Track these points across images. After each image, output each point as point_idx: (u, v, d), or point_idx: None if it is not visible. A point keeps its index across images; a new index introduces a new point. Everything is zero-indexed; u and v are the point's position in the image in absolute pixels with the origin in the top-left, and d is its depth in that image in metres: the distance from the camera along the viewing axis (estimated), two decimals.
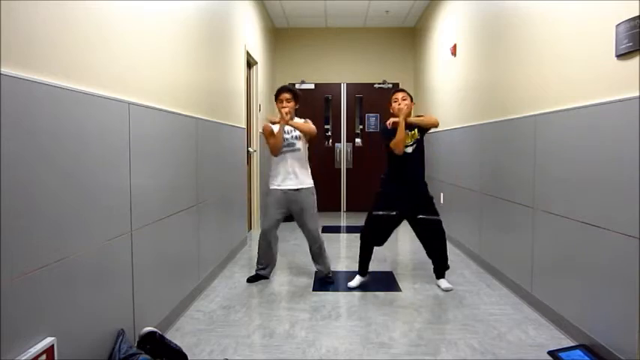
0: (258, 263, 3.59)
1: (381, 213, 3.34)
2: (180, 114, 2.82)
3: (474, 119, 4.22)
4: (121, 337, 2.00)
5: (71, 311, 1.69)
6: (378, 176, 3.47)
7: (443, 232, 3.39)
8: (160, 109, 2.52)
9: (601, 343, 2.23)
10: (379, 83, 7.20)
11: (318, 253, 3.52)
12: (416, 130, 3.28)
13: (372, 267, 3.84)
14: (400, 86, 7.17)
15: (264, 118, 4.67)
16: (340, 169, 7.34)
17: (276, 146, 3.38)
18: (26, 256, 1.45)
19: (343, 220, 6.72)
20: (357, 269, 3.50)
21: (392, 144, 3.21)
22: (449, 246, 4.64)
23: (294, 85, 7.22)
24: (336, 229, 5.85)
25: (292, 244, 4.80)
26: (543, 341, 2.47)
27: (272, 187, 3.47)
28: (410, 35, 7.18)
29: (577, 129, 2.46)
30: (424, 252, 3.50)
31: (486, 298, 3.15)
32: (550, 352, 2.32)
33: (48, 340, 1.53)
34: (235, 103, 4.41)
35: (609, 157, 2.18)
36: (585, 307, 2.38)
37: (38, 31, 1.53)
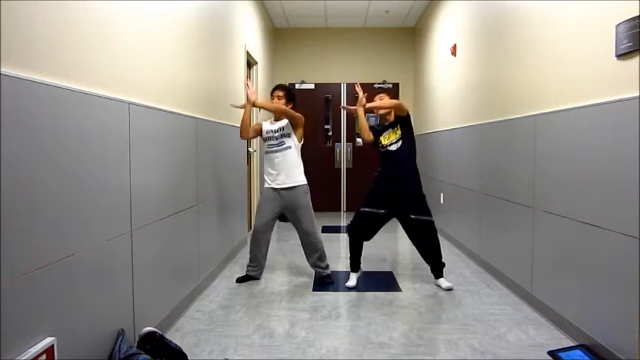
0: (249, 263, 3.57)
1: (367, 210, 3.37)
2: (180, 114, 2.82)
3: (474, 119, 4.22)
4: (121, 337, 2.00)
5: (71, 311, 1.69)
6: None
7: (435, 232, 3.38)
8: (160, 109, 2.52)
9: (601, 343, 2.23)
10: (379, 83, 7.20)
11: (316, 255, 3.50)
12: (398, 126, 3.31)
13: (372, 267, 3.85)
14: (400, 86, 7.19)
15: (264, 118, 4.67)
16: (340, 169, 7.34)
17: (243, 126, 3.43)
18: (26, 256, 1.45)
19: (343, 220, 6.71)
20: None
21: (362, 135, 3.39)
22: (448, 245, 4.65)
23: (294, 85, 7.22)
24: (336, 229, 5.84)
25: (292, 244, 4.79)
26: (543, 341, 2.47)
27: (265, 185, 3.48)
28: (410, 35, 7.18)
29: (577, 129, 2.46)
30: None
31: (486, 298, 3.15)
32: (550, 352, 2.32)
33: (48, 340, 1.53)
34: (235, 103, 4.40)
35: (609, 157, 2.18)
36: (585, 307, 2.38)
37: (38, 31, 1.53)
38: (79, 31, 1.75)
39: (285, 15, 6.56)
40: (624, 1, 2.07)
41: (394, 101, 3.41)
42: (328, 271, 3.55)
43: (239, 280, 3.51)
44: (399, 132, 3.30)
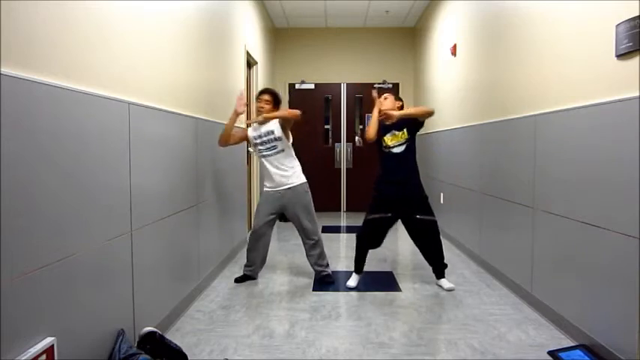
0: (246, 263, 3.56)
1: (376, 216, 3.33)
2: (180, 114, 2.82)
3: (474, 119, 4.22)
4: (121, 337, 2.00)
5: (71, 311, 1.69)
6: (373, 182, 3.46)
7: (438, 233, 3.38)
8: (160, 109, 2.52)
9: (601, 343, 2.23)
10: (379, 83, 7.20)
11: (316, 253, 3.50)
12: (405, 130, 3.26)
13: (372, 267, 3.84)
14: (400, 86, 7.18)
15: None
16: (340, 169, 7.34)
17: (224, 134, 3.38)
18: (26, 256, 1.46)
19: (343, 220, 6.72)
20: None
21: (366, 133, 3.29)
22: (449, 246, 4.65)
23: (294, 85, 7.23)
24: (336, 229, 5.85)
25: (292, 244, 4.80)
26: (543, 341, 2.47)
27: (265, 189, 3.49)
28: (410, 35, 7.18)
29: (577, 129, 2.46)
30: None
31: (486, 298, 3.15)
32: (550, 352, 2.32)
33: (48, 340, 1.53)
34: (235, 103, 4.40)
35: (609, 157, 2.18)
36: (585, 307, 2.38)
37: (38, 31, 1.53)
38: (79, 31, 1.75)
39: (285, 15, 6.56)
40: (624, 1, 2.07)
41: (426, 108, 3.35)
42: (329, 270, 3.55)
43: (237, 281, 3.51)
44: (405, 135, 3.26)
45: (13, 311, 1.39)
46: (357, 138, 7.29)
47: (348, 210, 7.31)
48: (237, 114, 3.37)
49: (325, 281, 3.50)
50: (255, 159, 5.45)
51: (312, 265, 3.57)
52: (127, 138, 2.12)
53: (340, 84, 7.29)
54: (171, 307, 2.68)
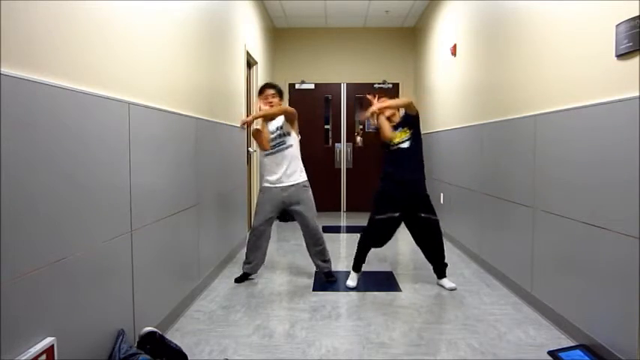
0: (245, 261, 3.56)
1: (383, 217, 3.31)
2: (180, 114, 2.82)
3: (474, 119, 4.22)
4: (121, 337, 2.00)
5: (71, 311, 1.69)
6: (378, 176, 3.46)
7: (440, 232, 3.38)
8: (160, 109, 2.52)
9: (601, 343, 2.23)
10: (379, 83, 7.20)
11: (318, 249, 3.50)
12: (405, 128, 3.30)
13: (372, 267, 3.85)
14: (400, 86, 7.19)
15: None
16: (340, 169, 7.34)
17: (264, 141, 3.42)
18: (26, 256, 1.45)
19: (343, 220, 6.72)
20: None
21: (382, 136, 3.30)
22: (449, 245, 4.65)
23: (293, 85, 7.23)
24: (336, 229, 5.85)
25: (292, 244, 4.80)
26: (543, 341, 2.47)
27: (265, 184, 3.47)
28: (410, 35, 7.18)
29: (577, 129, 2.46)
30: None
31: (486, 298, 3.15)
32: (550, 352, 2.32)
33: (48, 340, 1.53)
34: (235, 103, 4.41)
35: (609, 157, 2.18)
36: (585, 307, 2.38)
37: (38, 31, 1.53)
38: (79, 31, 1.75)
39: (285, 15, 6.56)
40: (624, 1, 2.07)
41: (405, 99, 3.42)
42: (330, 267, 3.55)
43: (237, 280, 3.51)
44: (408, 132, 3.30)
45: (13, 311, 1.39)
46: (358, 138, 7.29)
47: (348, 210, 7.31)
48: (256, 117, 3.46)
49: (328, 280, 3.50)
50: (255, 159, 5.45)
51: (314, 262, 3.57)
52: (127, 138, 2.12)
53: (340, 84, 7.29)
54: (172, 307, 2.68)
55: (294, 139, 3.44)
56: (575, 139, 2.47)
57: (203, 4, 3.34)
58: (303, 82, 7.21)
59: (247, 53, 4.99)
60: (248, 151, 5.09)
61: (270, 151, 3.43)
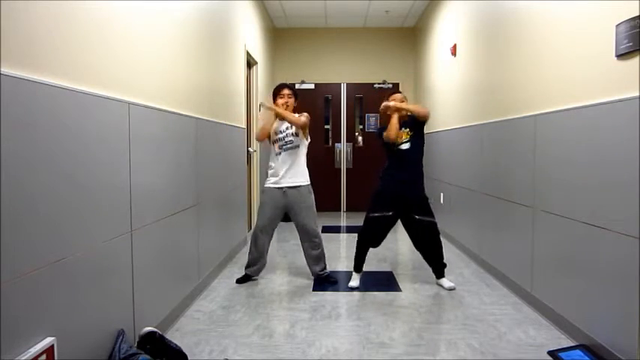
0: (248, 262, 3.54)
1: (377, 215, 3.34)
2: (180, 114, 2.82)
3: (474, 119, 4.22)
4: (121, 337, 2.00)
5: (71, 311, 1.69)
6: (378, 176, 3.47)
7: (437, 234, 3.39)
8: (160, 109, 2.52)
9: (601, 343, 2.23)
10: (379, 83, 7.20)
11: (315, 254, 3.49)
12: (408, 129, 3.30)
13: (372, 267, 3.85)
14: (400, 86, 7.18)
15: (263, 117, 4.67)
16: (340, 169, 7.34)
17: (263, 131, 3.44)
18: (26, 256, 1.45)
19: (343, 220, 6.72)
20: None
21: (385, 134, 3.27)
22: (449, 245, 4.65)
23: (293, 85, 7.22)
24: (336, 229, 5.85)
25: (292, 244, 4.80)
26: (543, 341, 2.47)
27: (268, 184, 3.47)
28: (410, 35, 7.18)
29: (577, 129, 2.46)
30: None
31: (486, 298, 3.15)
32: (550, 352, 2.32)
33: (48, 340, 1.53)
34: (235, 103, 4.41)
35: (609, 157, 2.18)
36: (585, 307, 2.38)
37: (38, 31, 1.53)
38: (79, 31, 1.75)
39: (285, 15, 6.56)
40: (624, 1, 2.07)
41: (425, 110, 3.33)
42: (327, 271, 3.55)
43: (239, 281, 3.51)
44: (410, 133, 3.31)
45: (13, 311, 1.39)
46: (359, 138, 7.29)
47: (348, 210, 7.31)
48: (272, 109, 3.46)
49: (328, 281, 3.49)
50: (255, 159, 5.45)
51: (310, 267, 3.56)
52: (127, 138, 2.12)
53: (340, 84, 7.29)
54: (172, 307, 2.68)
55: (301, 141, 3.45)
56: (575, 139, 2.47)
57: (203, 4, 3.34)
58: (303, 82, 7.21)
59: (247, 53, 4.99)
60: (248, 151, 5.09)
61: (278, 150, 3.44)
